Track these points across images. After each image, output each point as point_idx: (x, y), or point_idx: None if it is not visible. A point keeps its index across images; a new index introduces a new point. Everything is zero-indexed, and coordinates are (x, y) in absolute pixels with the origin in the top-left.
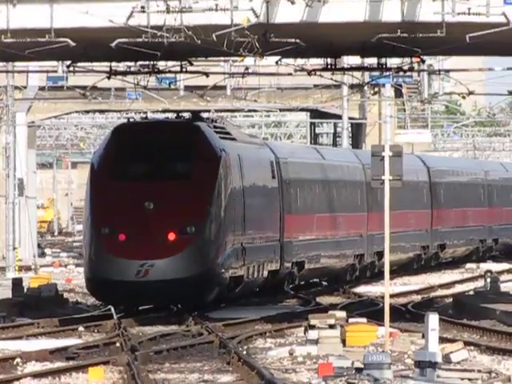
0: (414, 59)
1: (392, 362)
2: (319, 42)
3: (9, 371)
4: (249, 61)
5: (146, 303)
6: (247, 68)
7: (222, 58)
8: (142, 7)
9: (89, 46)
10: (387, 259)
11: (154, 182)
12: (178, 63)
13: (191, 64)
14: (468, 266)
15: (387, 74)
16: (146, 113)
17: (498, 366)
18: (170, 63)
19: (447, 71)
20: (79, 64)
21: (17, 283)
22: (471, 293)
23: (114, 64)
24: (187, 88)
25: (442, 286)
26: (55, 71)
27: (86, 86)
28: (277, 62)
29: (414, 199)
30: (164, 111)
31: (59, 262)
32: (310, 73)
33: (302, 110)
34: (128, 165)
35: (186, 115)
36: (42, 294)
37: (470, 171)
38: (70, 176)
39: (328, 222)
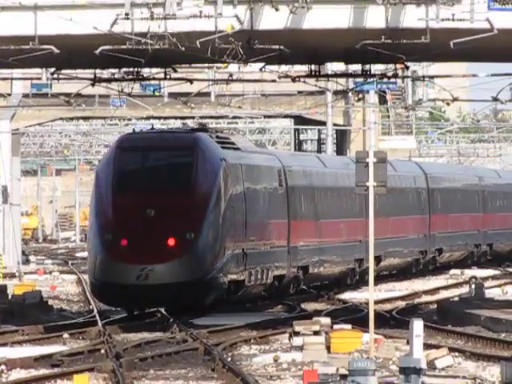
0: (398, 65)
1: (377, 369)
2: (303, 48)
3: None
4: (233, 67)
5: (146, 306)
6: (231, 75)
7: (206, 65)
8: (126, 14)
9: (73, 53)
10: (372, 266)
11: (155, 191)
12: (162, 70)
13: (175, 71)
14: (452, 271)
15: (371, 80)
16: (130, 120)
17: (482, 372)
18: (154, 70)
19: (431, 77)
20: (63, 71)
21: (1, 290)
22: (456, 299)
23: (98, 71)
24: (171, 95)
25: (426, 292)
26: (39, 78)
27: (70, 93)
28: (261, 69)
29: (413, 205)
30: (148, 118)
31: (44, 269)
32: (294, 79)
33: (286, 116)
34: (130, 175)
35: (193, 124)
36: (26, 301)
37: (466, 177)
38: (55, 183)
39: (330, 227)
